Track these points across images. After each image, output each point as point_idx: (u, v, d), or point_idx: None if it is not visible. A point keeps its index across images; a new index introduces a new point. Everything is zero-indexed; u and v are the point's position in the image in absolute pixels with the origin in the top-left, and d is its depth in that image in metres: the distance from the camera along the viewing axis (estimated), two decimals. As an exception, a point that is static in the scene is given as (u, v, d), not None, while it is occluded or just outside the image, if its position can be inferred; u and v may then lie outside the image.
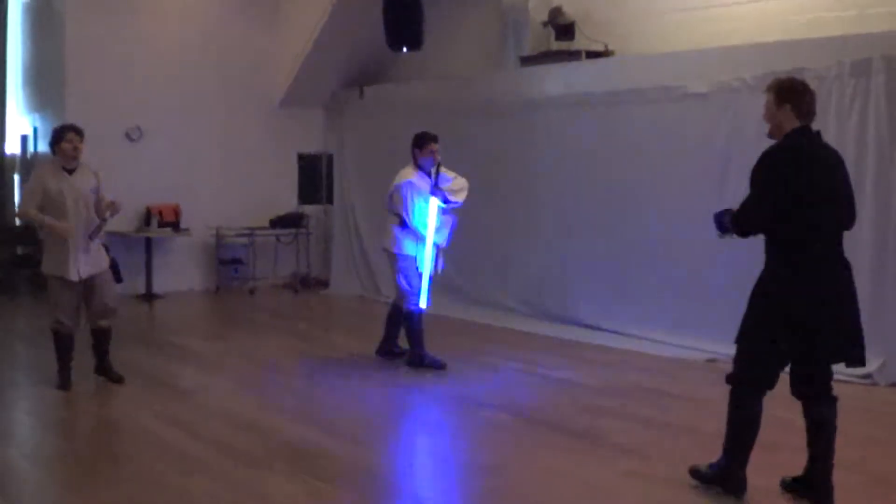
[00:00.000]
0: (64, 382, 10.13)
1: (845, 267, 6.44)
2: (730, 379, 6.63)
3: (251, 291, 17.69)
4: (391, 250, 11.15)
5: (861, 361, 6.54)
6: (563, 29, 14.34)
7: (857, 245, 10.64)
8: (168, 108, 17.19)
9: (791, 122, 6.46)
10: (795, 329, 6.30)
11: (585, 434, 8.54)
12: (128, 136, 16.87)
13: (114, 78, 16.81)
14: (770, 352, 6.42)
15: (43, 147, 17.81)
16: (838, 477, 6.53)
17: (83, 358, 10.36)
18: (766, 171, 6.34)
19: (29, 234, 18.08)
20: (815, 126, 10.79)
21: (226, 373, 11.07)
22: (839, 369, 10.29)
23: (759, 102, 11.31)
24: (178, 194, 17.10)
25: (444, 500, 7.05)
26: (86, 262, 9.84)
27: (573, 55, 14.21)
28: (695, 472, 6.90)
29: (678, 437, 7.63)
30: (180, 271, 17.60)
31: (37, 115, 18.29)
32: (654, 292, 12.69)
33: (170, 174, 16.96)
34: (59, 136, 9.85)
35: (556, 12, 14.47)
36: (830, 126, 10.93)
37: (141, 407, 9.55)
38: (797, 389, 6.55)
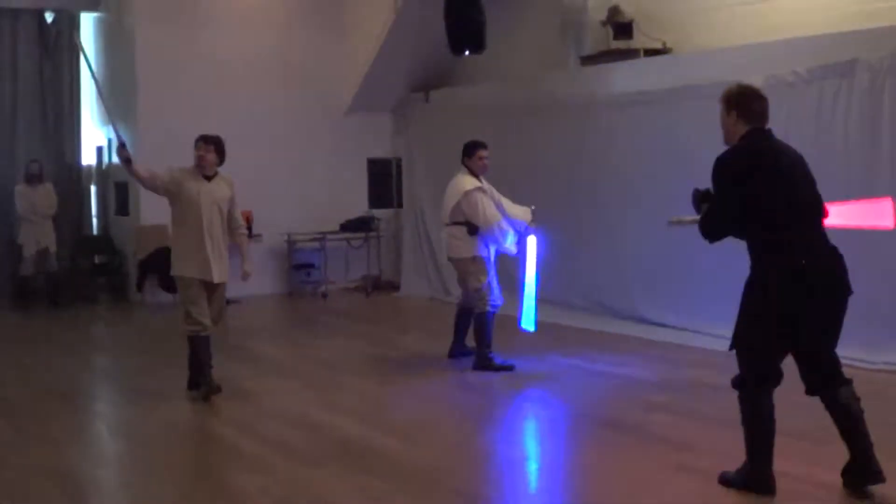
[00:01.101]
0: (209, 385, 10.01)
1: (831, 253, 6.49)
2: (736, 382, 6.66)
3: (323, 295, 17.96)
4: (459, 256, 11.27)
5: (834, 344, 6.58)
6: (622, 27, 14.40)
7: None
8: (238, 117, 17.43)
9: (741, 127, 6.59)
10: (792, 320, 6.39)
11: (638, 429, 8.60)
12: (199, 145, 17.13)
13: (184, 88, 17.15)
14: (770, 347, 6.49)
15: (117, 158, 18.17)
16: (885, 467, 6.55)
17: (153, 358, 10.57)
18: (721, 176, 6.51)
19: (106, 243, 18.48)
20: (869, 116, 10.92)
21: (293, 375, 11.25)
22: (879, 358, 10.39)
23: (814, 95, 11.45)
24: (250, 201, 17.25)
25: (495, 497, 7.14)
26: (218, 267, 10.03)
27: (632, 53, 14.29)
28: (724, 481, 6.89)
29: (729, 431, 7.63)
30: (253, 276, 17.75)
31: (111, 128, 18.62)
32: (715, 286, 12.67)
33: (241, 181, 16.89)
34: (195, 144, 10.12)
35: (614, 11, 14.54)
36: (885, 115, 10.92)
37: (206, 408, 9.79)
38: (810, 386, 6.59)
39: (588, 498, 7.13)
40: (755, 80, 11.86)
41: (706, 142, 12.43)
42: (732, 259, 11.89)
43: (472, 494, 7.09)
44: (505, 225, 11.11)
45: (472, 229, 11.08)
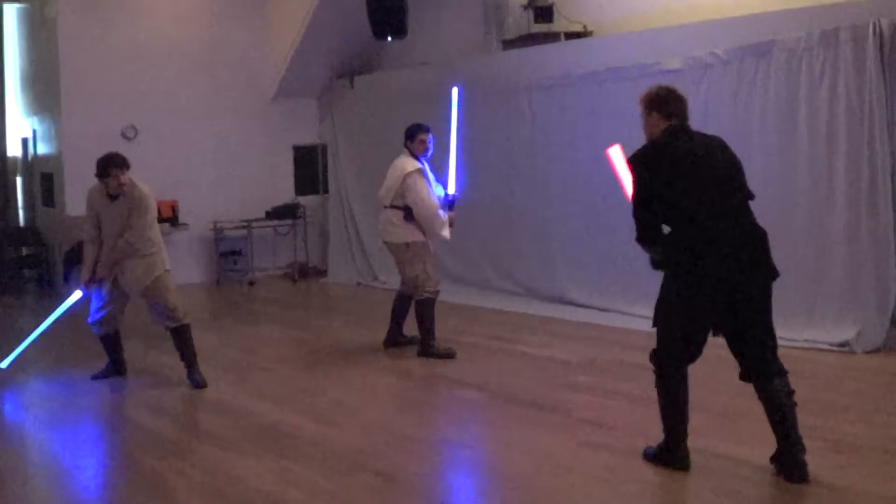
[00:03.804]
0: (100, 374, 10.56)
1: (750, 237, 6.56)
2: (653, 358, 6.82)
3: (251, 283, 17.91)
4: (393, 241, 11.22)
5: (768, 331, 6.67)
6: (542, 11, 14.43)
7: (832, 215, 10.81)
8: (162, 106, 17.41)
9: (659, 127, 6.79)
10: (706, 302, 6.51)
11: (556, 408, 8.68)
12: (123, 134, 17.08)
13: (108, 79, 17.04)
14: (685, 326, 6.61)
15: (43, 149, 18.06)
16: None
17: (76, 348, 10.49)
18: (631, 170, 6.77)
19: (33, 234, 18.35)
20: (787, 96, 11.07)
21: (217, 361, 11.12)
22: (820, 338, 10.52)
23: (732, 76, 11.58)
24: (176, 190, 17.30)
25: (416, 478, 7.15)
26: (122, 280, 10.11)
27: (552, 37, 14.35)
28: (646, 456, 7.05)
29: (650, 410, 7.74)
30: (180, 265, 17.58)
31: (35, 118, 18.52)
32: (639, 268, 12.76)
33: (166, 171, 17.11)
34: (104, 172, 9.95)
35: (534, -6, 14.61)
36: (802, 97, 11.04)
37: (128, 396, 9.82)
38: (743, 372, 6.68)
39: (507, 475, 7.16)
40: (674, 62, 12.12)
41: (628, 123, 12.56)
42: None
43: (392, 476, 7.11)
44: (441, 214, 11.11)
45: (409, 215, 11.05)
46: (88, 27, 16.97)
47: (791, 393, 6.55)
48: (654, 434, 6.98)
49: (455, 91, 11.77)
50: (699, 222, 6.44)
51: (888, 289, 10.44)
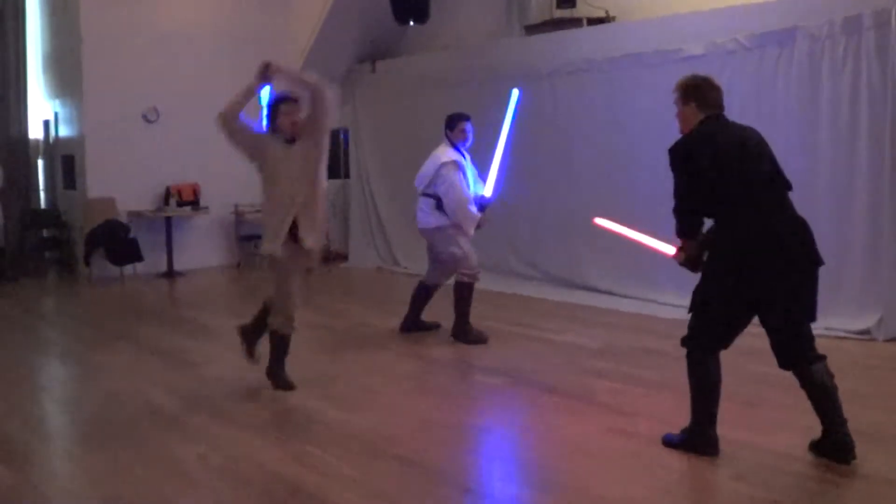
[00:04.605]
0: (285, 384, 9.18)
1: (794, 225, 6.55)
2: (685, 342, 6.80)
3: (271, 266, 17.91)
4: (423, 226, 11.23)
5: (811, 317, 6.64)
6: (565, -4, 14.47)
7: (853, 201, 10.79)
8: (184, 89, 17.39)
9: (696, 117, 6.73)
10: (749, 292, 6.50)
11: (577, 394, 8.67)
12: (145, 117, 17.10)
13: (129, 61, 17.05)
14: (728, 315, 6.61)
15: (64, 131, 18.07)
16: (815, 430, 6.70)
17: (98, 331, 10.49)
18: (673, 163, 6.63)
19: (54, 216, 18.39)
20: (809, 83, 11.04)
21: (237, 346, 11.12)
22: (841, 326, 10.51)
23: (755, 62, 11.54)
24: (197, 173, 17.37)
25: (436, 462, 7.14)
26: (310, 237, 8.87)
27: (575, 22, 14.35)
28: (668, 442, 7.03)
29: (670, 396, 7.73)
30: (201, 249, 17.89)
31: (57, 101, 18.53)
32: (661, 255, 12.79)
33: (188, 154, 17.18)
34: (274, 113, 8.85)
35: (556, -20, 14.60)
36: (824, 85, 11.03)
37: (149, 379, 9.76)
38: (782, 360, 6.67)
39: (528, 460, 7.20)
40: (696, 48, 12.10)
41: (651, 109, 12.64)
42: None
43: (413, 460, 7.11)
44: (471, 209, 11.03)
45: (440, 204, 11.01)
46: (110, 9, 16.96)
47: (832, 375, 6.60)
48: (676, 421, 7.00)
49: (515, 93, 11.71)
50: (745, 211, 6.43)
51: (910, 276, 10.45)
